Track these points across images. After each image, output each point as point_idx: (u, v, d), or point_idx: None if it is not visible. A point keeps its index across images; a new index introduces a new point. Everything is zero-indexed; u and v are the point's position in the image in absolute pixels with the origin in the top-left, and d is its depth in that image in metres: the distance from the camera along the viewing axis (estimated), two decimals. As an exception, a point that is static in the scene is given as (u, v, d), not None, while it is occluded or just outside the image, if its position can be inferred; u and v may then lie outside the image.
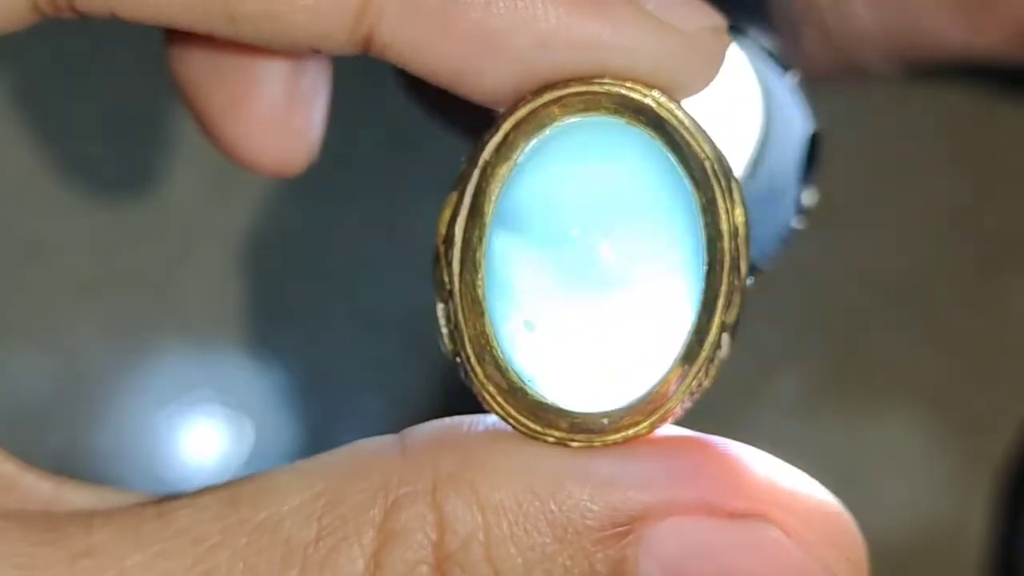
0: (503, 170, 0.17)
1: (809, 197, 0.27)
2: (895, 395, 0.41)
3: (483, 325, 0.17)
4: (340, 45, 0.18)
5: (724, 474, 0.17)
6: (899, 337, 0.41)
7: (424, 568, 0.16)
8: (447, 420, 0.17)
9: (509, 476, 0.16)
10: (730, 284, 0.17)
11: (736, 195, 0.17)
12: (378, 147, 0.41)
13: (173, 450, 0.39)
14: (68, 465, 0.39)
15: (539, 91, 0.17)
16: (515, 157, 0.17)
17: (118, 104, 0.40)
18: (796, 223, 0.27)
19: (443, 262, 0.17)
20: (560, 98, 0.17)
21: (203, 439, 0.39)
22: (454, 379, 0.17)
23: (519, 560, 0.16)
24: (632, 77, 0.17)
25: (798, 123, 0.27)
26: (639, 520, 0.16)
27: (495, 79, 0.17)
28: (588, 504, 0.16)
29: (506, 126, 0.17)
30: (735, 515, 0.16)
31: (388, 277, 0.41)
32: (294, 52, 0.20)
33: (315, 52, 0.18)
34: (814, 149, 0.27)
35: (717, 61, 0.18)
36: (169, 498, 0.17)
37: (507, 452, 0.17)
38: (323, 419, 0.40)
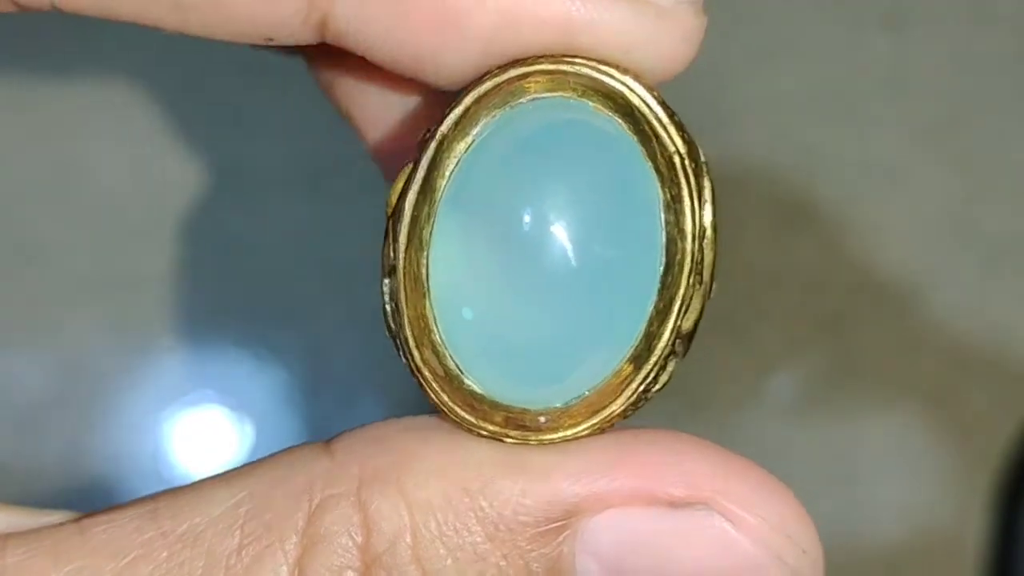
0: (460, 146, 0.16)
1: None
2: (893, 395, 0.41)
3: (424, 307, 0.16)
4: (294, 32, 0.17)
5: (664, 462, 0.15)
6: (898, 337, 0.41)
7: (350, 573, 0.15)
8: (380, 422, 0.16)
9: (437, 473, 0.15)
10: (688, 288, 0.16)
11: (707, 193, 0.16)
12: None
13: (173, 450, 0.39)
14: (68, 465, 0.39)
15: (506, 66, 0.16)
16: (474, 133, 0.16)
17: (118, 104, 0.40)
18: None
19: (390, 237, 0.16)
20: (527, 75, 0.16)
21: (203, 439, 0.39)
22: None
23: (449, 561, 0.15)
24: (604, 57, 0.16)
25: None
26: (574, 514, 0.15)
27: (458, 61, 0.16)
28: (520, 499, 0.15)
29: (467, 100, 0.16)
30: (675, 504, 0.15)
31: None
32: (248, 42, 0.18)
33: (269, 41, 0.17)
34: None
35: (694, 39, 0.17)
36: (92, 515, 0.16)
37: (436, 448, 0.16)
38: (323, 419, 0.40)
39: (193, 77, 0.40)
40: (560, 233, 0.16)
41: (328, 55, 0.21)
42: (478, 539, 0.15)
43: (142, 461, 0.39)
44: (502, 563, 0.15)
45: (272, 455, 0.16)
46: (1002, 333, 0.41)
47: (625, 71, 0.16)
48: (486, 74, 0.16)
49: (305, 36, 0.17)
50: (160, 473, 0.39)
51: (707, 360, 0.40)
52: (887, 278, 0.42)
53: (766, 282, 0.41)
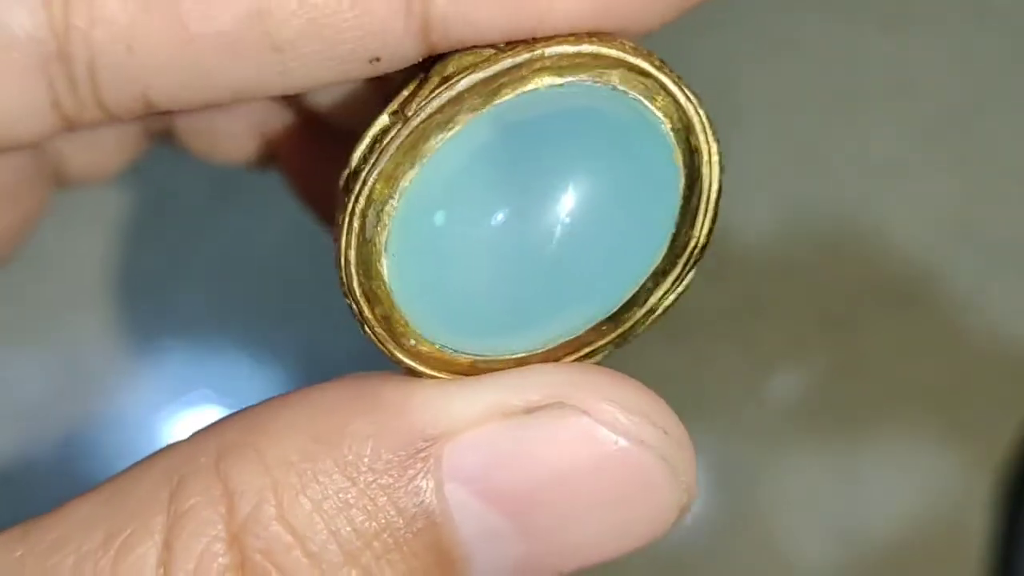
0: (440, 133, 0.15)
1: None
2: (895, 396, 0.41)
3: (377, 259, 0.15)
4: (399, 39, 0.15)
5: (513, 376, 0.15)
6: (899, 337, 0.41)
7: (219, 545, 0.14)
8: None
9: (291, 428, 0.15)
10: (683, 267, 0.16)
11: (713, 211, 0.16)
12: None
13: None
14: (68, 465, 0.39)
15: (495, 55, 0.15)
16: (479, 108, 0.15)
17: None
18: None
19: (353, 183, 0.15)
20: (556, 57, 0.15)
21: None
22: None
23: (316, 515, 0.15)
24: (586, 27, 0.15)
25: None
26: (434, 442, 0.15)
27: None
28: (377, 437, 0.15)
29: (457, 88, 0.15)
30: (531, 409, 0.15)
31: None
32: (350, 73, 0.16)
33: (376, 63, 0.16)
34: None
35: None
36: None
37: (290, 406, 0.15)
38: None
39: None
40: (558, 225, 0.15)
41: (308, 171, 0.21)
42: (341, 485, 0.15)
43: (142, 461, 0.39)
44: (369, 507, 0.15)
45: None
46: (1004, 333, 0.41)
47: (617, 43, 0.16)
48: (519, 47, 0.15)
49: (410, 43, 0.16)
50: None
51: (708, 360, 0.40)
52: (888, 278, 0.42)
53: (767, 282, 0.41)
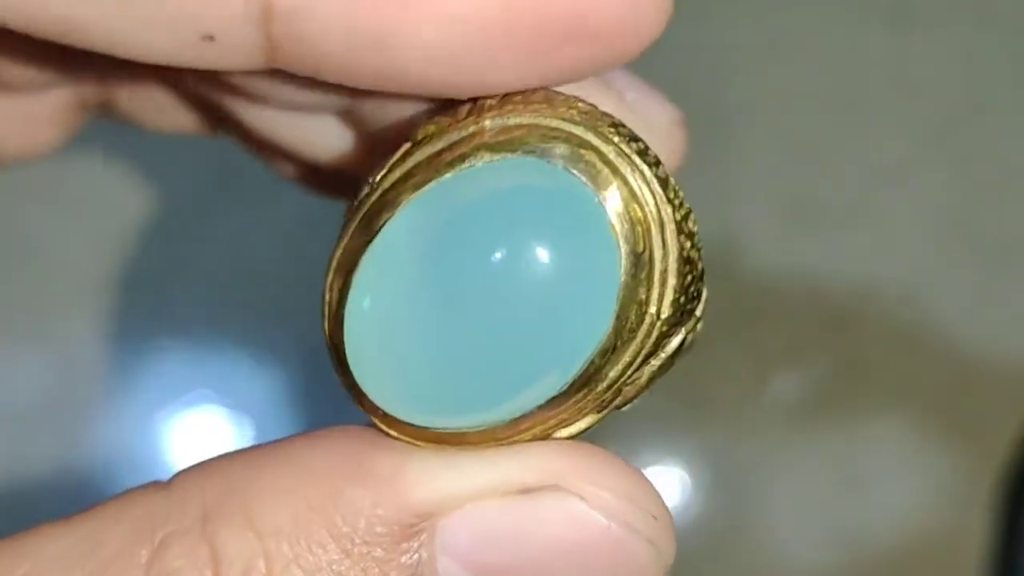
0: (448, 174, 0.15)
1: None
2: (895, 397, 0.41)
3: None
4: (237, 19, 0.15)
5: (509, 455, 0.15)
6: (899, 338, 0.41)
7: None
8: (218, 456, 0.15)
9: (283, 493, 0.15)
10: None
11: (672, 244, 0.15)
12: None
13: (172, 450, 0.39)
14: (67, 466, 0.39)
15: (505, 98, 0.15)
16: (467, 164, 0.15)
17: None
18: None
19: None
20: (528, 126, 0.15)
21: (202, 439, 0.39)
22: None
23: None
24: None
25: None
26: (429, 518, 0.15)
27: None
28: (372, 509, 0.15)
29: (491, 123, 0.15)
30: (527, 491, 0.15)
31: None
32: (182, 47, 0.16)
33: (208, 42, 0.15)
34: None
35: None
36: None
37: (279, 468, 0.15)
38: (323, 419, 0.40)
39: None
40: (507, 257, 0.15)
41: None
42: (334, 556, 0.14)
43: (141, 461, 0.39)
44: None
45: (113, 496, 0.15)
46: (1003, 334, 0.41)
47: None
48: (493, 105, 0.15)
49: (248, 32, 0.15)
50: (158, 473, 0.39)
51: (708, 362, 0.40)
52: (889, 279, 0.42)
53: (767, 284, 0.41)
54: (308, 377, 0.40)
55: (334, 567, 0.14)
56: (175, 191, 0.41)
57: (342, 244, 0.16)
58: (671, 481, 0.40)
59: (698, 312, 0.16)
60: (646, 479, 0.16)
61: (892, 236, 0.42)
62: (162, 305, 0.40)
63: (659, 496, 0.16)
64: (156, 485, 0.15)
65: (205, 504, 0.15)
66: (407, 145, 0.16)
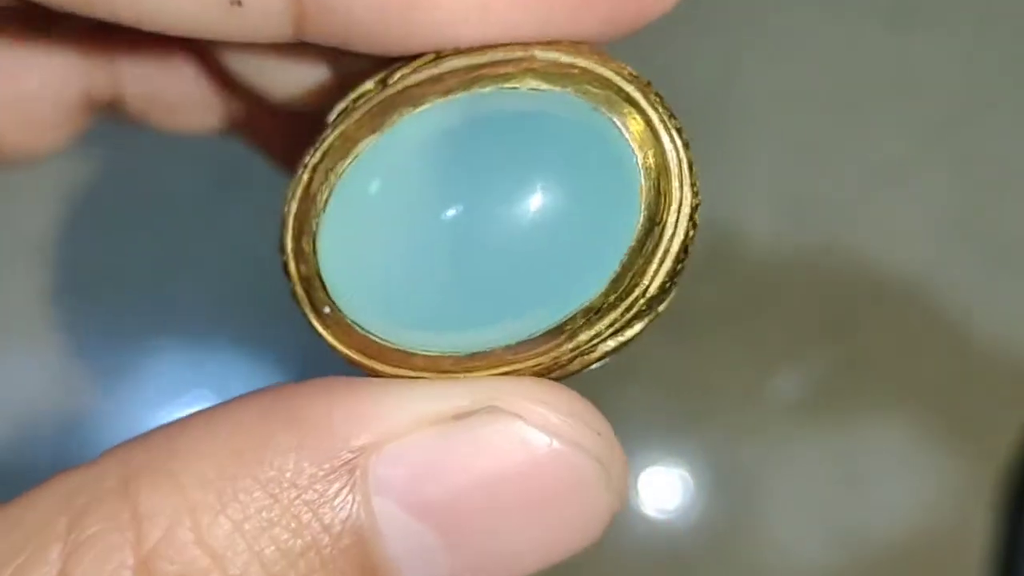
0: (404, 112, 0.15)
1: None
2: (896, 396, 0.41)
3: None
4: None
5: (441, 385, 0.14)
6: (900, 337, 0.41)
7: (125, 573, 0.13)
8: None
9: (209, 447, 0.14)
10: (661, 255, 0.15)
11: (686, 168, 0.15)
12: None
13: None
14: (67, 465, 0.39)
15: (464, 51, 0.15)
16: (456, 93, 0.15)
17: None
18: None
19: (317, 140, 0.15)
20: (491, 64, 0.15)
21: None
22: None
23: (237, 536, 0.13)
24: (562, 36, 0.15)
25: None
26: (359, 454, 0.14)
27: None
28: (298, 451, 0.14)
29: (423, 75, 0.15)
30: (460, 415, 0.14)
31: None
32: (209, 15, 0.15)
33: (236, 7, 0.15)
34: None
35: None
36: None
37: (204, 424, 0.14)
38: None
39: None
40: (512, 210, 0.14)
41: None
42: (263, 504, 0.14)
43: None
44: (293, 524, 0.14)
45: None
46: (1004, 332, 0.41)
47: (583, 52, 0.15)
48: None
49: (277, 1, 0.15)
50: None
51: (709, 360, 0.40)
52: (890, 277, 0.41)
53: (769, 281, 0.41)
54: (306, 377, 0.40)
55: (263, 514, 0.14)
56: (175, 191, 0.40)
57: (336, 132, 0.15)
58: (671, 481, 0.40)
59: (662, 308, 0.15)
60: (587, 401, 0.15)
61: (892, 235, 0.42)
62: (161, 305, 0.40)
63: (602, 417, 0.15)
64: (76, 467, 0.14)
65: (126, 470, 0.14)
66: (433, 54, 0.15)
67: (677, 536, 0.40)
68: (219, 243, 0.40)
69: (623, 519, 0.39)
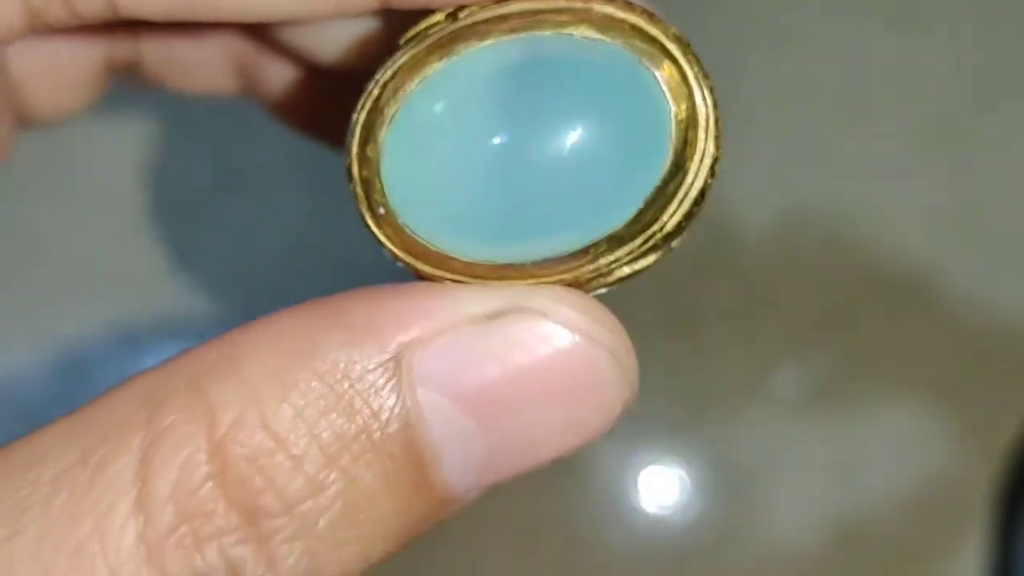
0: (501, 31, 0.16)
1: None
2: (896, 392, 0.41)
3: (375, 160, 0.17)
4: None
5: (473, 291, 0.16)
6: (900, 334, 0.41)
7: (200, 455, 0.15)
8: None
9: (268, 344, 0.16)
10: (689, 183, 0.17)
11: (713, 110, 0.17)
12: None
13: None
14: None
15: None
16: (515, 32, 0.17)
17: (118, 101, 0.40)
18: None
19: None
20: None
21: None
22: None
23: (298, 421, 0.15)
24: None
25: None
26: (404, 351, 0.16)
27: None
28: (351, 350, 0.16)
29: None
30: (493, 316, 0.16)
31: (388, 275, 0.41)
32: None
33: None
34: None
35: None
36: None
37: (263, 327, 0.16)
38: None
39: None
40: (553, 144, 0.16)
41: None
42: (321, 392, 0.15)
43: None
44: (348, 411, 0.15)
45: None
46: (1003, 329, 0.41)
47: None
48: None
49: None
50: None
51: (709, 356, 0.40)
52: (891, 274, 0.42)
53: (768, 279, 0.41)
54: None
55: (321, 402, 0.15)
56: (175, 189, 0.41)
57: (408, 55, 0.17)
58: (670, 478, 0.40)
59: (675, 244, 0.17)
60: (602, 304, 0.17)
61: (892, 232, 0.42)
62: (162, 303, 0.40)
63: (614, 317, 0.17)
64: (154, 366, 0.16)
65: (196, 368, 0.15)
66: None
67: (677, 533, 0.40)
68: (221, 242, 0.40)
69: (623, 516, 0.39)
